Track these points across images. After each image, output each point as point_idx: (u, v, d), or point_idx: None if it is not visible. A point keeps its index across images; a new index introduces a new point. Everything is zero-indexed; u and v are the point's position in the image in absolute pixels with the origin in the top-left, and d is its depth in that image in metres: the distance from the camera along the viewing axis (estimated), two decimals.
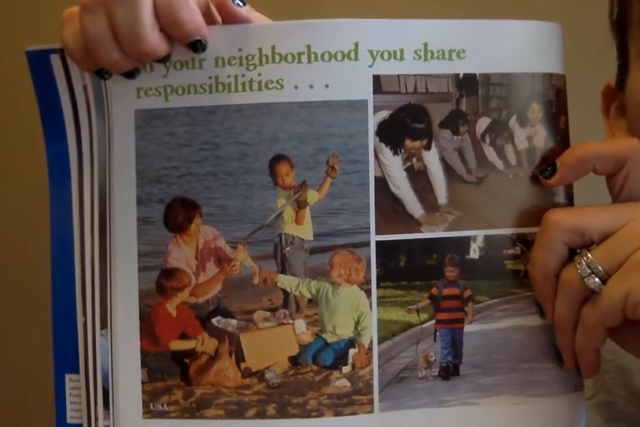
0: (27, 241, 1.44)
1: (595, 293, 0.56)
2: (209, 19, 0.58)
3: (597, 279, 0.55)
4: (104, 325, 0.58)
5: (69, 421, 0.59)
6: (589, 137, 0.59)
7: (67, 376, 0.59)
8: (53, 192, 0.59)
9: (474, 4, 1.19)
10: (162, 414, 0.58)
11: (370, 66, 0.58)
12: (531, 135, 0.59)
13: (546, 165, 0.59)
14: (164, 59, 0.57)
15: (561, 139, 0.60)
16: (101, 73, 0.58)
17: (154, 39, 0.55)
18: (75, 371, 0.59)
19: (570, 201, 0.60)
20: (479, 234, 0.59)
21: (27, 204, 1.34)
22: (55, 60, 0.58)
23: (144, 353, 0.58)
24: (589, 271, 0.55)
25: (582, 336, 0.57)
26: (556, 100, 0.60)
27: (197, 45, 0.57)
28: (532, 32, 0.59)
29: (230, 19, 0.58)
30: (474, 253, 0.59)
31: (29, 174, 1.18)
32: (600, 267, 0.55)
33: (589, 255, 0.56)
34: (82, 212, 0.59)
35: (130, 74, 0.58)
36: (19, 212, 1.54)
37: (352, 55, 0.57)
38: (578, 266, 0.56)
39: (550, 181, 0.59)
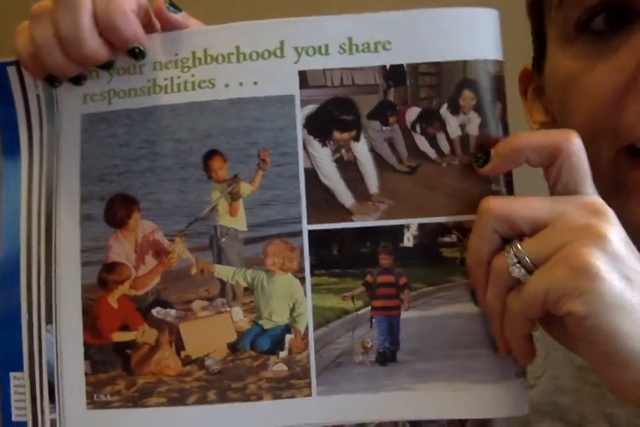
0: None
1: (521, 283, 0.56)
2: (151, 29, 0.62)
3: (522, 269, 0.55)
4: (49, 320, 0.60)
5: (14, 419, 0.60)
6: None
7: (12, 374, 0.61)
8: (3, 194, 0.62)
9: None
10: (105, 405, 0.60)
11: (295, 62, 0.60)
12: (464, 123, 0.60)
13: (480, 154, 0.59)
14: (107, 66, 0.61)
15: (497, 126, 0.60)
16: (51, 80, 0.61)
17: (93, 43, 0.59)
18: (19, 368, 0.60)
19: (509, 189, 0.60)
20: (413, 222, 0.60)
21: None
22: (12, 71, 0.63)
23: (87, 346, 0.60)
24: (515, 260, 0.55)
25: (508, 324, 0.57)
26: (491, 87, 0.60)
27: (136, 52, 0.60)
28: (464, 19, 0.60)
29: (168, 25, 0.62)
30: (407, 241, 0.60)
31: None
32: (527, 259, 0.55)
33: (519, 245, 0.56)
34: (29, 213, 0.61)
35: (76, 80, 0.61)
36: None
37: (278, 53, 0.60)
38: (507, 255, 0.56)
39: (483, 170, 0.59)
